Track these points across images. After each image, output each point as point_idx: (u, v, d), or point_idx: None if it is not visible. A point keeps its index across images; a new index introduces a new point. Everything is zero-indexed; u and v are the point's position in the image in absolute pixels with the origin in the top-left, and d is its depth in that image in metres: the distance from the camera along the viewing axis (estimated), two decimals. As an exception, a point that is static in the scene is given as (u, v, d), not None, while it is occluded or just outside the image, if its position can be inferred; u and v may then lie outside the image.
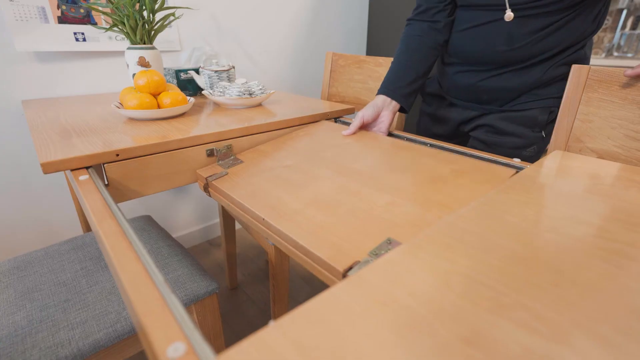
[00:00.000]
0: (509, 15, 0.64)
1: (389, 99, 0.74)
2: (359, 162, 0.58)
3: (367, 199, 0.46)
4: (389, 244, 0.37)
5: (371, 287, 0.25)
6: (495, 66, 0.71)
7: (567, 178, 0.44)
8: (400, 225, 0.40)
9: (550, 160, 0.51)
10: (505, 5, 0.64)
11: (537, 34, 0.65)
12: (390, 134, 0.75)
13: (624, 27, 1.94)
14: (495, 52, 0.68)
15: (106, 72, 1.09)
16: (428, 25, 0.75)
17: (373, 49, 1.79)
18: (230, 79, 0.97)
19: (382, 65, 1.11)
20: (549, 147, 0.71)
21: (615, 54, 1.96)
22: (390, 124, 0.74)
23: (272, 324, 0.22)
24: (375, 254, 0.36)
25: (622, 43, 1.94)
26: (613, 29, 1.96)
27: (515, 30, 0.65)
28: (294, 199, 0.48)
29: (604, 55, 1.98)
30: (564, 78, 0.69)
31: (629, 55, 1.91)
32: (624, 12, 1.92)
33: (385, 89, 0.76)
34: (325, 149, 0.64)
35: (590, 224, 0.34)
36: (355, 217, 0.42)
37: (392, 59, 1.09)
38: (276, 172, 0.57)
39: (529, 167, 0.48)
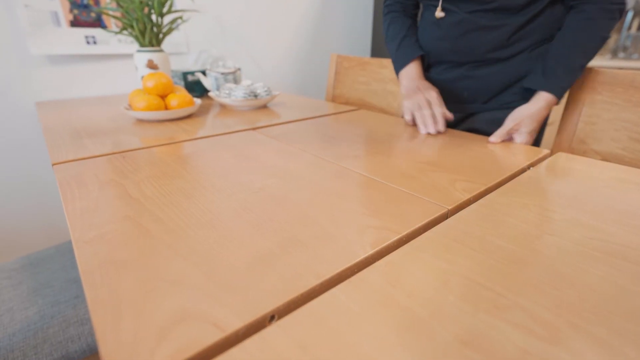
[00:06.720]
0: (438, 14, 0.67)
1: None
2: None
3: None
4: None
5: (370, 288, 0.25)
6: (471, 59, 0.69)
7: (569, 180, 0.45)
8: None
9: (553, 163, 0.51)
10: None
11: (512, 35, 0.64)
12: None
13: (629, 28, 1.92)
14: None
15: (115, 74, 1.11)
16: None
17: (377, 52, 1.79)
18: (236, 81, 0.99)
19: (386, 67, 1.11)
20: (552, 148, 0.71)
21: (621, 55, 1.94)
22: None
23: (274, 323, 0.23)
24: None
25: (627, 44, 1.92)
26: (618, 30, 1.93)
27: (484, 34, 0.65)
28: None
29: (609, 56, 1.96)
30: None
31: (635, 56, 1.88)
32: (630, 12, 1.89)
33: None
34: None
35: (591, 227, 0.34)
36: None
37: None
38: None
39: (530, 170, 0.48)
